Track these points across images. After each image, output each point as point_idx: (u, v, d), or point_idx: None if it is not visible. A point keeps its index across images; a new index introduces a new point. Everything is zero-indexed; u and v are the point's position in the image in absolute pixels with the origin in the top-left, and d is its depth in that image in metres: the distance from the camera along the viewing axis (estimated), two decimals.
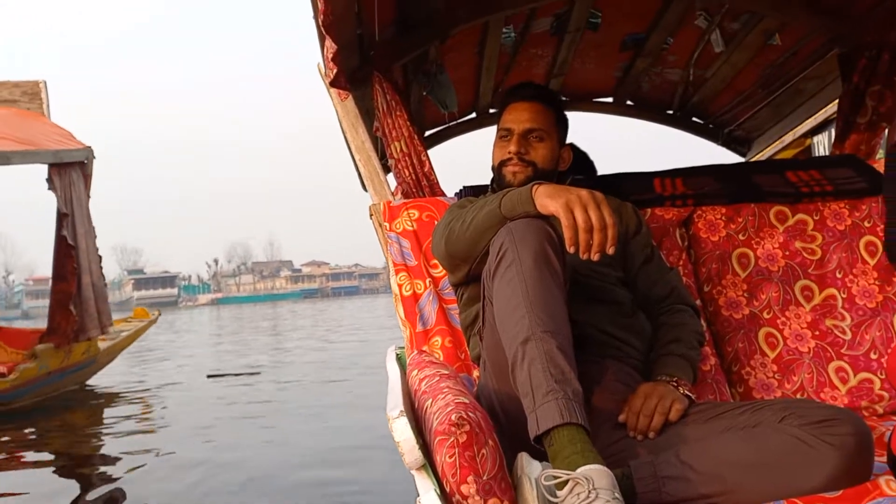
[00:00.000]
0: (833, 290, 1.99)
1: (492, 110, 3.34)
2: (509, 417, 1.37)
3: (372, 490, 3.27)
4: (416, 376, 1.52)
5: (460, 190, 2.22)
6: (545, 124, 1.75)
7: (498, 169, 1.77)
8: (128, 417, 5.87)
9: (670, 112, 3.49)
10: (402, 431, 1.17)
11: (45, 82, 7.63)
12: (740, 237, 2.07)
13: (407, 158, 2.22)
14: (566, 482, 1.09)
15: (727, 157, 3.58)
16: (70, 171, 6.57)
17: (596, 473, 1.09)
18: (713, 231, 2.08)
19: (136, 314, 9.35)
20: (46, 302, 6.86)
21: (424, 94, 2.78)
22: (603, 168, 2.22)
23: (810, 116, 3.38)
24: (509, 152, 1.73)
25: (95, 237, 7.00)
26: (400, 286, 1.97)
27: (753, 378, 1.88)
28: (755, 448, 1.20)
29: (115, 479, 3.82)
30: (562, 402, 1.17)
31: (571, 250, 1.31)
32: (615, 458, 1.31)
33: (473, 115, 3.38)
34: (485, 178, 1.93)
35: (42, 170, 6.29)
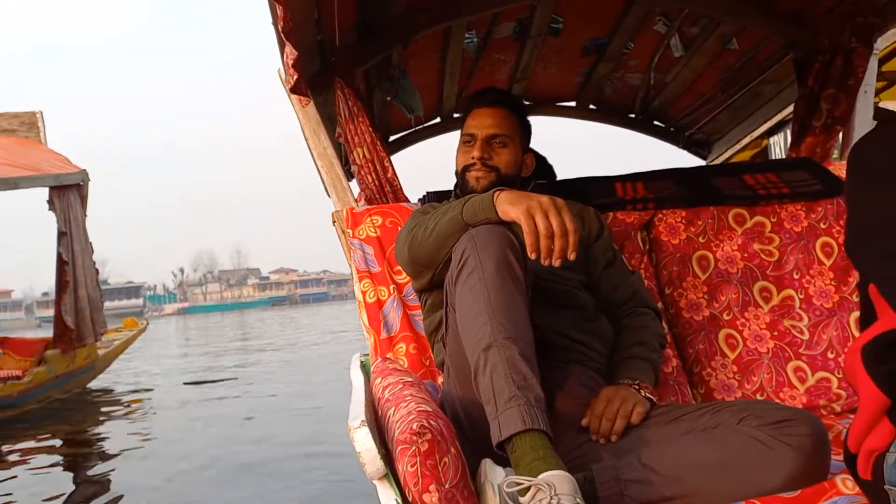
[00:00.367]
0: (791, 291, 2.02)
1: (456, 115, 3.34)
2: (473, 424, 1.37)
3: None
4: (379, 384, 1.51)
5: (424, 196, 2.21)
6: (508, 130, 1.76)
7: (461, 174, 1.77)
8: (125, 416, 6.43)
9: (632, 116, 3.52)
10: (363, 441, 1.17)
11: (42, 112, 8.27)
12: (700, 240, 2.09)
13: (370, 164, 2.20)
14: (528, 488, 1.09)
15: (687, 159, 3.63)
16: (68, 193, 7.22)
17: (558, 479, 1.09)
18: (674, 234, 2.10)
19: (126, 324, 9.99)
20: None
21: (388, 98, 2.77)
22: (564, 173, 2.23)
23: (768, 119, 3.44)
24: (473, 157, 1.73)
25: (92, 252, 7.63)
26: (364, 293, 1.96)
27: (714, 379, 1.91)
28: (715, 450, 1.21)
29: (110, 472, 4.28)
30: (524, 409, 1.17)
31: (533, 256, 1.31)
32: (579, 462, 1.31)
33: (438, 119, 3.38)
34: (454, 182, 1.92)
35: (43, 192, 6.96)
